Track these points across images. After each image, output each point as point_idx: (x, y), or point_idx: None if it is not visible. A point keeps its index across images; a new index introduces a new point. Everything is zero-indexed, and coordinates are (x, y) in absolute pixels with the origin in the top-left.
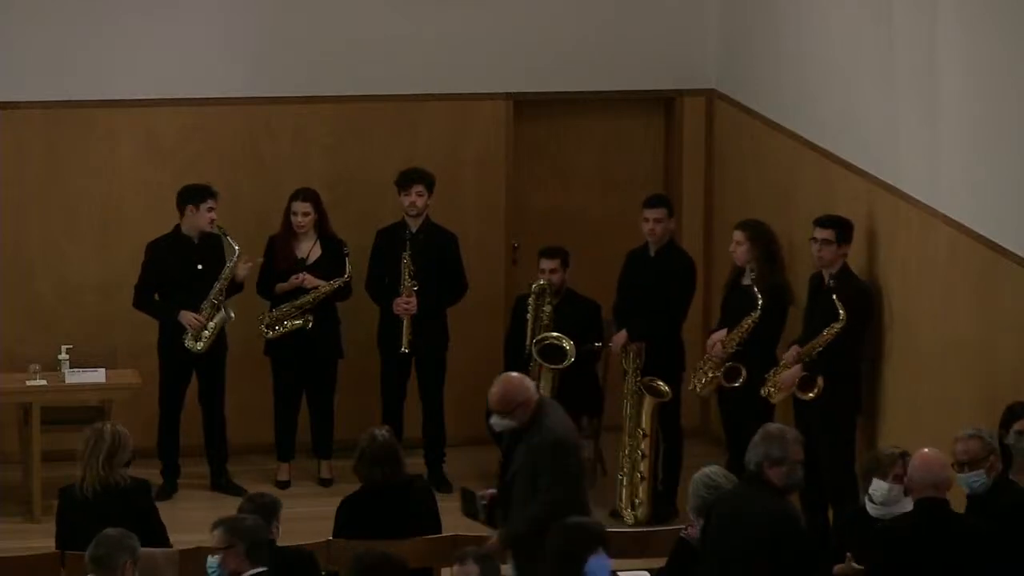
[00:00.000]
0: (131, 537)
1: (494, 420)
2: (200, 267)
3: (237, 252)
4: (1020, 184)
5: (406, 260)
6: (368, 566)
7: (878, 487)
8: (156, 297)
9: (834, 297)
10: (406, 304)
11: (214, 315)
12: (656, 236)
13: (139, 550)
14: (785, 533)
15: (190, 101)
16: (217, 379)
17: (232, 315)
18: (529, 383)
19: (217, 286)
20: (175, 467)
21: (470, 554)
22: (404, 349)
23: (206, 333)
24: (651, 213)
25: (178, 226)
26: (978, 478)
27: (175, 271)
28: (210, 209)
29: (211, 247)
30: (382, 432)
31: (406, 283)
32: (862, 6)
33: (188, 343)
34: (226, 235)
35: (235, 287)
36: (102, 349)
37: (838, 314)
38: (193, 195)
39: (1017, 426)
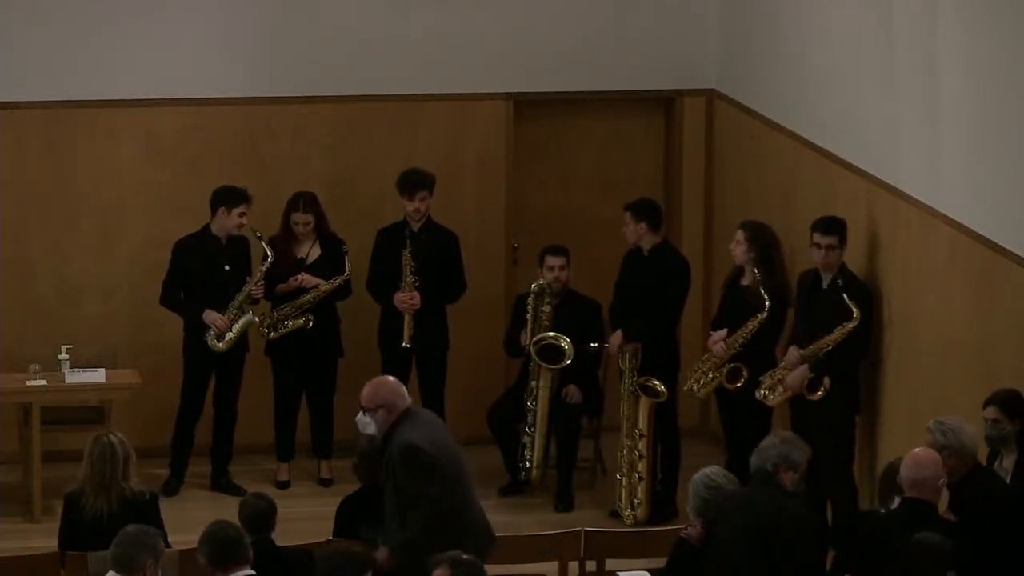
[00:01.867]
0: (151, 535)
1: (359, 417)
2: (227, 268)
3: (270, 258)
4: (1020, 184)
5: (406, 257)
6: (331, 560)
7: None
8: (181, 296)
9: (845, 296)
10: (410, 299)
11: (239, 317)
12: (630, 239)
13: (161, 548)
14: (801, 532)
15: (190, 101)
16: (234, 380)
17: (256, 319)
18: (402, 392)
19: (246, 289)
20: (184, 465)
21: (446, 559)
22: (405, 344)
23: (230, 335)
24: (624, 216)
25: (207, 226)
26: None
27: (201, 271)
28: (241, 214)
29: (238, 248)
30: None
31: (407, 279)
32: (862, 6)
33: (210, 342)
34: (261, 239)
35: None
36: (102, 349)
37: (851, 313)
38: (227, 198)
39: (985, 413)
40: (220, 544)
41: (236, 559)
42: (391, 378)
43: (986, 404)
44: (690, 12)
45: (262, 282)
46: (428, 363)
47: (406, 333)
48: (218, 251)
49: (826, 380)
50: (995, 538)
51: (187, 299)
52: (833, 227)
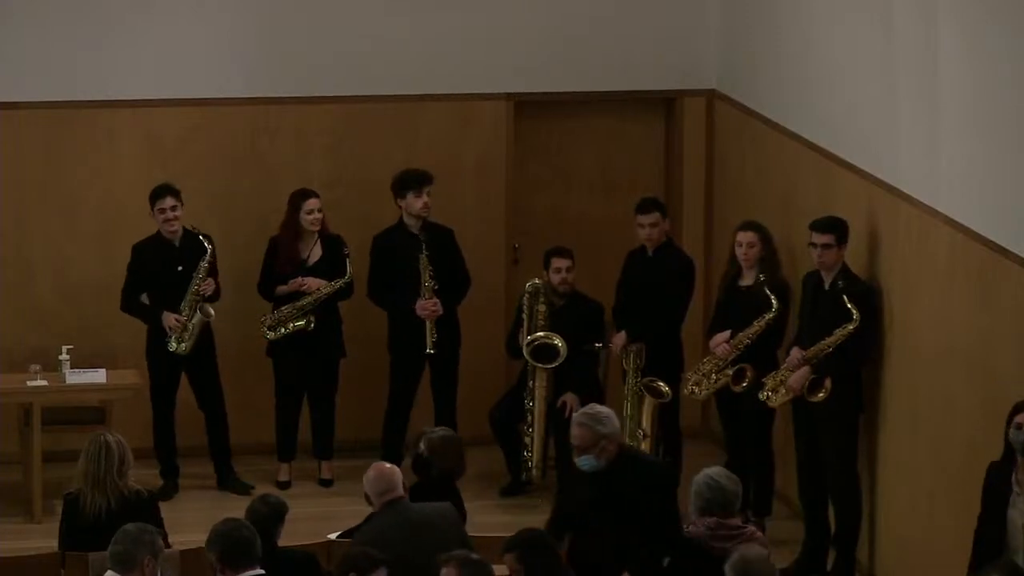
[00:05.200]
0: (151, 532)
1: None
2: (180, 268)
3: (209, 250)
4: (1020, 184)
5: (424, 261)
6: (350, 561)
7: None
8: (145, 299)
9: (845, 298)
10: (433, 306)
11: (193, 316)
12: (653, 240)
13: (160, 545)
14: None
15: (190, 101)
16: (210, 380)
17: (212, 313)
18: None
19: (193, 286)
20: (174, 467)
21: (455, 557)
22: (430, 350)
23: (187, 334)
24: (645, 219)
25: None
26: (588, 461)
27: (157, 273)
28: (161, 210)
29: (193, 248)
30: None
31: (427, 284)
32: (863, 7)
33: (171, 346)
34: (198, 234)
35: (210, 296)
36: (102, 349)
37: (851, 315)
38: (151, 198)
39: (1018, 419)
40: (233, 544)
41: (247, 559)
42: (387, 466)
43: (1019, 410)
44: (690, 12)
45: (208, 278)
46: (443, 365)
47: (429, 339)
48: (172, 252)
49: (827, 382)
50: (647, 515)
51: (150, 302)
52: (829, 226)
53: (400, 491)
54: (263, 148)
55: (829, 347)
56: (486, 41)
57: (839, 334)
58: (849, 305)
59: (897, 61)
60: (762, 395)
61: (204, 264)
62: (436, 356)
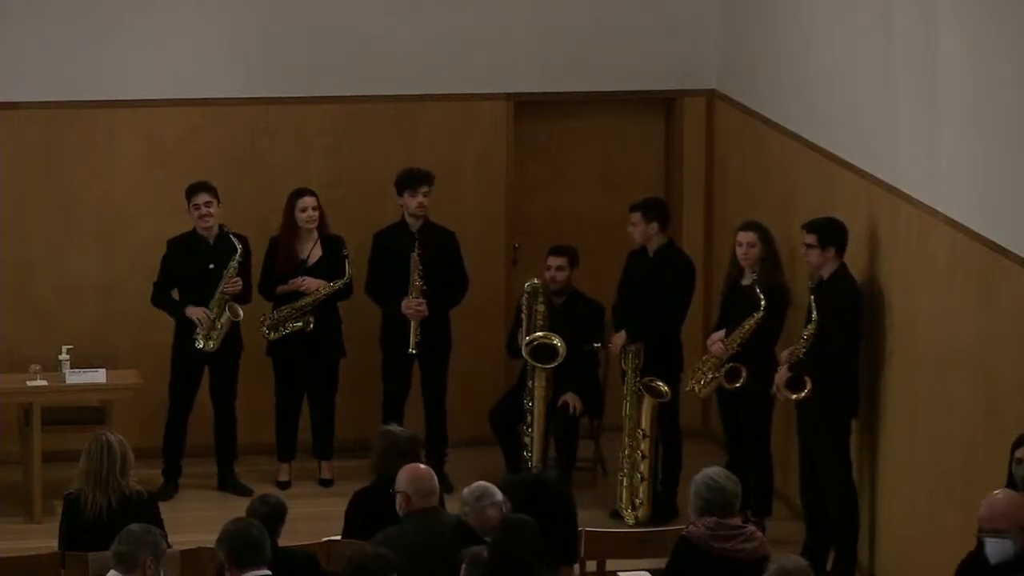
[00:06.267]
0: (154, 533)
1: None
2: (212, 266)
3: (239, 250)
4: (1020, 184)
5: (415, 260)
6: (361, 563)
7: None
8: (176, 295)
9: (811, 299)
10: (419, 306)
11: (222, 313)
12: (638, 240)
13: (163, 547)
14: None
15: (190, 101)
16: (230, 378)
17: (240, 314)
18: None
19: (222, 285)
20: (177, 467)
21: (468, 555)
22: (412, 350)
23: (215, 332)
24: (630, 217)
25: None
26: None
27: (188, 270)
28: (196, 206)
29: (226, 247)
30: (402, 429)
31: (415, 283)
32: (863, 7)
33: (199, 343)
34: (229, 233)
35: (240, 295)
36: (103, 349)
37: (811, 317)
38: (187, 194)
39: (1018, 453)
40: (243, 543)
41: (256, 559)
42: (422, 467)
43: (1021, 443)
44: (690, 12)
45: (237, 278)
46: (431, 366)
47: (412, 339)
48: (205, 250)
49: (807, 381)
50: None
51: (180, 298)
52: (814, 227)
53: (435, 500)
54: (263, 148)
55: (802, 348)
56: (486, 41)
57: (806, 335)
58: (813, 307)
59: (897, 61)
60: (773, 389)
61: (234, 263)
62: (424, 358)
